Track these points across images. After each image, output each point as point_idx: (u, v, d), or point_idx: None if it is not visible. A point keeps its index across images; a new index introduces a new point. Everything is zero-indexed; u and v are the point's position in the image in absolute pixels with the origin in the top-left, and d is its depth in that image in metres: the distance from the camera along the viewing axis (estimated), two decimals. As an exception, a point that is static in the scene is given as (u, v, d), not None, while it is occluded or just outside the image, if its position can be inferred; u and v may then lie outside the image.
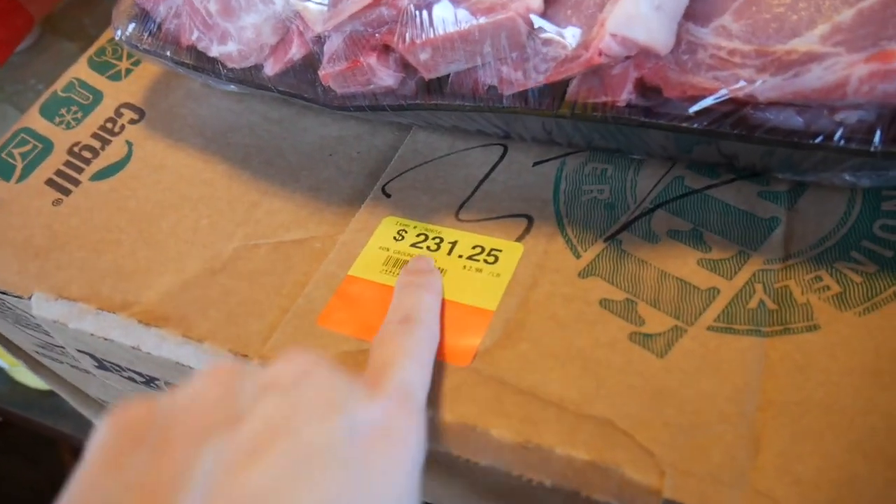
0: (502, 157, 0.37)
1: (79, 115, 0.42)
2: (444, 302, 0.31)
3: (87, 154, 0.41)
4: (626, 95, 0.30)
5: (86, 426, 0.59)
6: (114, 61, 0.45)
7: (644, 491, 0.25)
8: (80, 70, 0.45)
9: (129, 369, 0.36)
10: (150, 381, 0.36)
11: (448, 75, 0.34)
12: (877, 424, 0.25)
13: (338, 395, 0.22)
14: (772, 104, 0.28)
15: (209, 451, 0.20)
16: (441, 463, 0.29)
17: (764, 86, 0.28)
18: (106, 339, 0.33)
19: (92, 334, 0.34)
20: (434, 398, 0.28)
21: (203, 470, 0.20)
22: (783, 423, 0.26)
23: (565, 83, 0.32)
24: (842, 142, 0.28)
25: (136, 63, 0.45)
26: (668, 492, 0.25)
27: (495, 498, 0.30)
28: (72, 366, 0.42)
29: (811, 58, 0.27)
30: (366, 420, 0.22)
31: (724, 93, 0.28)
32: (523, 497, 0.28)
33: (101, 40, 0.46)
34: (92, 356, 0.37)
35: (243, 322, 0.32)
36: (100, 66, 0.45)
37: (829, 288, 0.29)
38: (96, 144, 0.41)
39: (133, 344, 0.33)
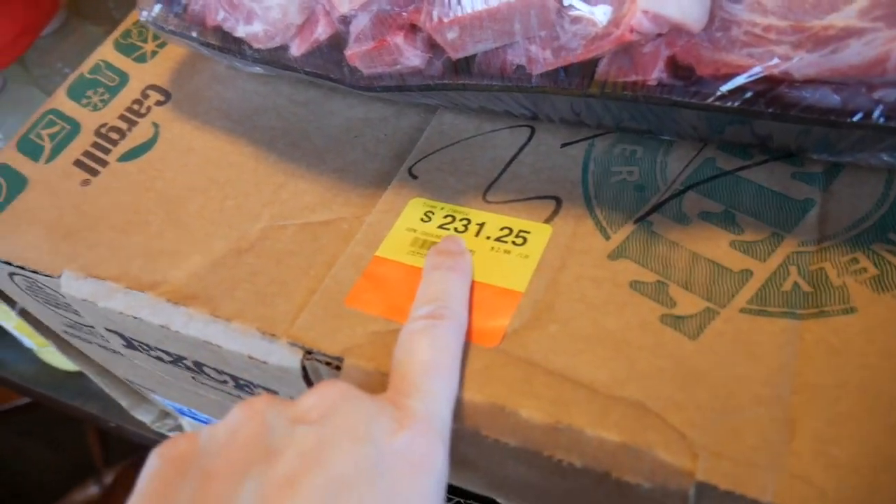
0: (530, 139, 0.37)
1: (105, 96, 0.43)
2: (473, 283, 0.31)
3: (114, 135, 0.41)
4: (657, 74, 0.30)
5: (113, 408, 0.60)
6: (139, 43, 0.45)
7: (677, 473, 0.25)
8: (107, 52, 0.45)
9: (158, 348, 0.36)
10: (177, 361, 0.37)
11: (475, 56, 0.33)
12: (916, 408, 0.25)
13: (364, 427, 0.24)
14: (808, 82, 0.28)
15: (249, 483, 0.22)
16: (469, 442, 0.28)
17: (800, 63, 0.27)
18: (135, 318, 0.34)
19: (121, 313, 0.34)
20: (463, 379, 0.28)
21: (244, 500, 0.21)
22: (819, 406, 0.25)
23: (595, 62, 0.32)
24: (881, 120, 0.27)
25: (162, 45, 0.45)
26: (701, 474, 0.24)
27: (522, 481, 0.30)
28: (100, 346, 0.42)
29: (850, 33, 0.26)
30: (391, 450, 0.23)
31: (758, 70, 0.28)
32: (552, 477, 0.28)
33: (127, 22, 0.46)
34: (121, 335, 0.37)
35: (271, 302, 0.32)
36: (126, 49, 0.45)
37: (865, 270, 0.29)
38: (123, 126, 0.41)
39: (162, 322, 0.33)
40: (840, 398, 0.25)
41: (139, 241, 0.36)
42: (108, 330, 0.37)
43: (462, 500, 0.38)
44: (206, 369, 0.36)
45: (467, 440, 0.28)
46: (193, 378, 0.38)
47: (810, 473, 0.24)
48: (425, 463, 0.24)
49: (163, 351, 0.36)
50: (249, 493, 0.21)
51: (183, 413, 0.53)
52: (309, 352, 0.30)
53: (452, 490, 0.38)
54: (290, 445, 0.23)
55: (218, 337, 0.32)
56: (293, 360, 0.30)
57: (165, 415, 0.58)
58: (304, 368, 0.30)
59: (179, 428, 0.59)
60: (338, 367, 0.30)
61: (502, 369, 0.28)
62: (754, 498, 0.24)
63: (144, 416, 0.57)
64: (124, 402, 0.56)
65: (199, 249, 0.35)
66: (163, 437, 0.60)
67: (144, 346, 0.37)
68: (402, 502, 0.22)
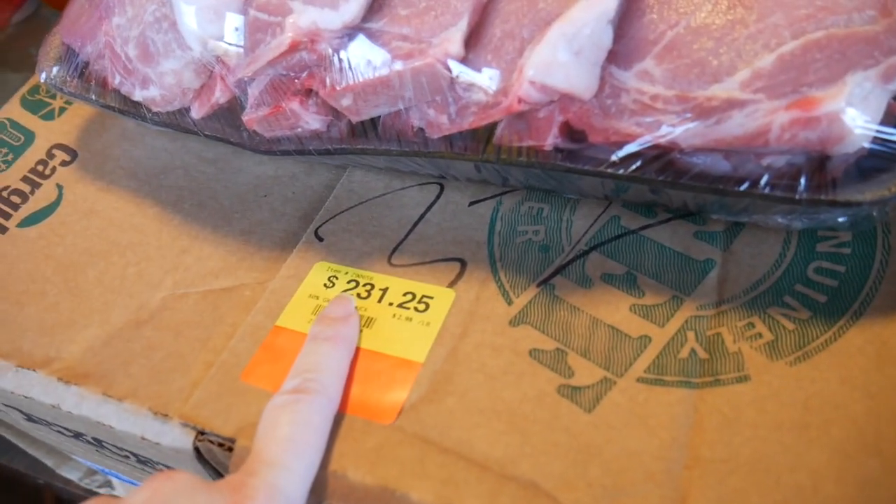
0: (438, 197, 0.36)
1: (9, 157, 0.41)
2: (358, 351, 0.30)
3: (15, 199, 0.40)
4: (551, 140, 0.30)
5: (40, 464, 0.58)
6: (47, 100, 0.44)
7: (564, 558, 0.24)
8: (12, 110, 0.44)
9: (56, 424, 0.35)
10: (77, 436, 0.35)
11: (378, 117, 0.33)
12: (803, 482, 0.24)
13: None
14: (697, 149, 0.28)
15: None
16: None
17: (686, 133, 0.27)
18: (26, 397, 0.32)
19: (12, 392, 0.32)
20: (354, 460, 0.27)
21: None
22: (709, 483, 0.25)
23: (494, 126, 0.31)
24: (767, 189, 0.27)
25: (71, 101, 0.44)
26: (589, 559, 0.24)
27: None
28: (7, 420, 0.41)
29: (732, 104, 0.26)
30: None
31: (647, 139, 0.28)
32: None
33: (36, 78, 0.45)
34: (19, 410, 0.36)
35: (166, 378, 0.31)
36: (33, 106, 0.44)
37: (761, 336, 0.29)
38: (26, 188, 0.40)
39: (53, 402, 0.32)
40: (731, 473, 0.25)
41: (33, 313, 0.34)
42: (5, 405, 0.36)
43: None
44: (106, 445, 0.34)
45: (361, 523, 0.28)
46: (97, 451, 0.37)
47: (697, 557, 0.23)
48: None
49: (62, 427, 0.35)
50: None
51: (108, 472, 0.51)
52: (202, 433, 0.29)
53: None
54: None
55: (110, 417, 0.31)
56: (185, 441, 0.29)
57: (93, 472, 0.56)
58: (196, 450, 0.29)
59: (108, 484, 0.57)
60: (230, 449, 0.29)
61: (396, 448, 0.28)
62: (641, 583, 0.23)
63: (71, 474, 0.56)
64: (49, 462, 0.54)
65: (95, 321, 0.34)
66: (92, 493, 0.58)
67: (44, 422, 0.36)
68: None
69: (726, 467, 0.25)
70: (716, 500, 0.25)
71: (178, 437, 0.29)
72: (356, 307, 0.32)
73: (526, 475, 0.26)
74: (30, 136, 0.42)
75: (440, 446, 0.27)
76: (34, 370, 0.32)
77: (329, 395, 0.28)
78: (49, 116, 0.43)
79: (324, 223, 0.36)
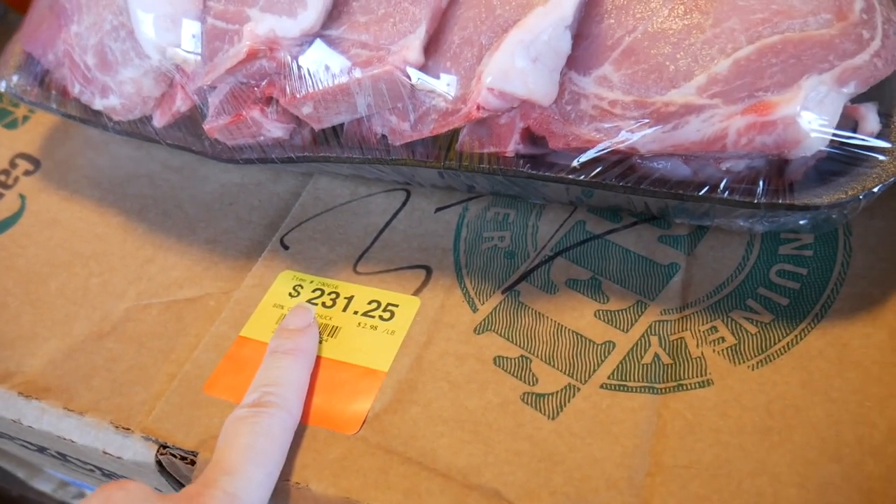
0: (404, 204, 0.36)
1: (-29, 167, 0.41)
2: (322, 361, 0.30)
3: (-23, 210, 0.39)
4: (513, 146, 0.30)
5: (13, 478, 0.57)
6: (10, 108, 0.43)
7: (526, 569, 0.24)
8: (-26, 119, 0.43)
9: (19, 438, 0.34)
10: (41, 450, 0.35)
11: (342, 125, 0.33)
12: (763, 488, 0.24)
13: None
14: (656, 155, 0.28)
15: None
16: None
17: (644, 138, 0.27)
18: (-13, 412, 0.32)
19: (-28, 407, 0.32)
20: (317, 472, 0.27)
21: None
22: (671, 489, 0.25)
23: (456, 131, 0.31)
24: (726, 193, 0.27)
25: (34, 110, 0.43)
26: (550, 569, 0.24)
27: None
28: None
29: (689, 110, 0.26)
30: None
31: (606, 145, 0.28)
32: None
33: (-2, 86, 0.44)
34: (-19, 425, 0.35)
35: (128, 391, 0.31)
36: (-5, 115, 0.43)
37: (723, 340, 0.29)
38: (-12, 199, 0.39)
39: (14, 417, 0.31)
40: (692, 479, 0.25)
41: (-6, 327, 0.34)
42: (-32, 419, 0.35)
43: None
44: (70, 459, 0.34)
45: (324, 535, 0.27)
46: (63, 465, 0.36)
47: (657, 564, 0.23)
48: None
49: (25, 441, 0.34)
50: None
51: (79, 484, 0.50)
52: (164, 446, 0.29)
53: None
54: None
55: (71, 432, 0.30)
56: (147, 454, 0.29)
57: (65, 484, 0.55)
58: (159, 463, 0.29)
59: (82, 495, 0.57)
60: (192, 462, 0.28)
61: (359, 459, 0.27)
62: (602, 592, 0.23)
63: (44, 486, 0.55)
64: (20, 474, 0.53)
65: (57, 333, 0.33)
66: (67, 505, 0.57)
67: (7, 436, 0.35)
68: None
69: (688, 473, 0.25)
70: (677, 506, 0.25)
71: (139, 451, 0.29)
72: (317, 316, 0.32)
73: (489, 484, 0.26)
74: (-8, 146, 0.42)
75: (403, 456, 0.27)
76: (-6, 385, 0.32)
77: (289, 408, 0.28)
78: (12, 125, 0.43)
79: (290, 231, 0.36)
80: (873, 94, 0.27)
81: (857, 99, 0.27)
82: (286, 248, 0.35)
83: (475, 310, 0.31)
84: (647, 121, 0.27)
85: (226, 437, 0.26)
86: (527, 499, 0.25)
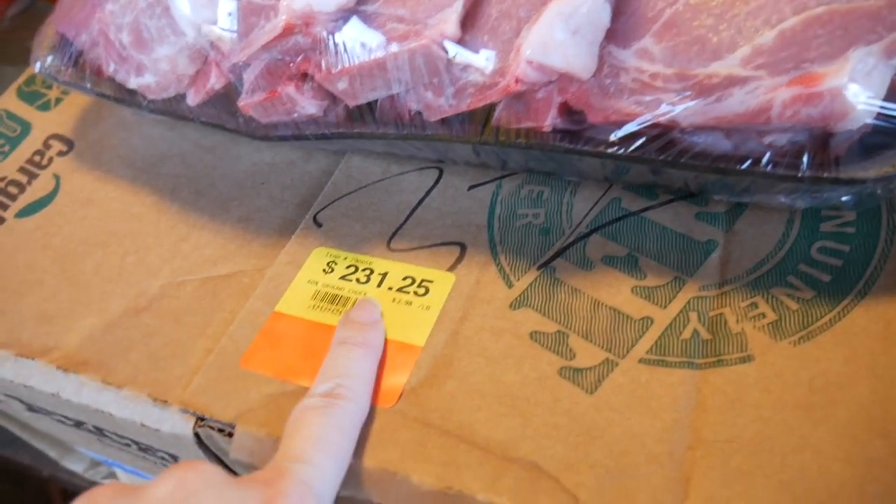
0: (437, 182, 0.36)
1: (6, 148, 0.41)
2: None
3: (13, 190, 0.39)
4: (550, 121, 0.29)
5: (44, 457, 0.58)
6: (43, 90, 0.44)
7: (567, 540, 0.24)
8: (9, 101, 0.43)
9: (57, 413, 0.35)
10: (78, 425, 0.35)
11: (376, 102, 0.33)
12: (808, 463, 0.24)
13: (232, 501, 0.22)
14: (698, 128, 0.27)
15: None
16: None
17: (686, 111, 0.27)
18: (26, 386, 0.32)
19: (12, 381, 0.32)
20: (357, 443, 0.27)
21: None
22: (712, 463, 0.25)
23: (492, 107, 0.31)
24: (769, 167, 0.27)
25: (67, 92, 0.44)
26: (591, 541, 0.24)
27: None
28: (8, 410, 0.41)
29: (733, 82, 0.26)
30: None
31: (647, 118, 0.27)
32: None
33: (31, 69, 0.45)
34: (20, 400, 0.36)
35: (165, 365, 0.31)
36: (29, 96, 0.43)
37: (764, 316, 0.28)
38: (23, 179, 0.40)
39: (53, 391, 0.31)
40: (733, 454, 0.25)
41: (32, 303, 0.34)
42: (6, 395, 0.36)
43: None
44: (107, 433, 0.34)
45: (362, 508, 0.27)
46: (99, 440, 0.37)
47: (700, 537, 0.23)
48: None
49: (62, 416, 0.35)
50: None
51: (111, 463, 0.51)
52: (201, 419, 0.29)
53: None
54: None
55: (109, 405, 0.30)
56: (185, 427, 0.29)
57: (97, 464, 0.56)
58: (196, 435, 0.29)
59: (113, 475, 0.57)
60: (230, 434, 0.29)
61: (397, 432, 0.27)
62: (644, 564, 0.23)
63: (75, 466, 0.56)
64: (52, 454, 0.54)
65: (94, 310, 0.34)
66: (97, 484, 0.58)
67: (45, 411, 0.36)
68: None
69: (730, 448, 0.25)
70: (720, 480, 0.24)
71: (177, 424, 0.29)
72: (351, 292, 0.32)
73: (528, 458, 0.26)
74: (26, 127, 0.42)
75: (441, 429, 0.27)
76: (33, 359, 0.32)
77: (359, 402, 0.27)
78: (45, 107, 0.43)
79: (322, 209, 0.36)
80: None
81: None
82: (319, 225, 0.35)
83: (510, 286, 0.31)
84: (688, 93, 0.27)
85: (296, 425, 0.26)
86: (566, 472, 0.25)
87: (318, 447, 0.25)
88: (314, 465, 0.25)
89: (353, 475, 0.27)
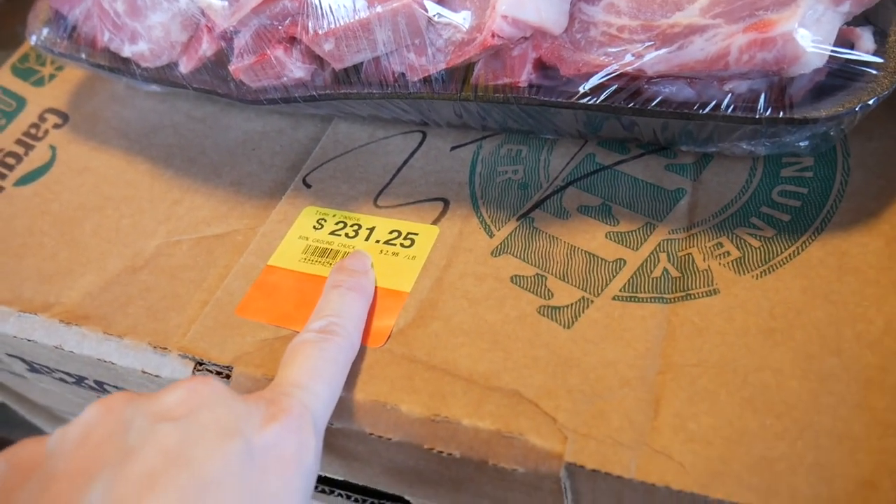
0: (421, 144, 0.38)
1: (2, 122, 0.42)
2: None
3: (10, 160, 0.41)
4: (525, 76, 0.31)
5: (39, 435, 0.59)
6: (37, 67, 0.45)
7: (547, 456, 0.26)
8: (3, 77, 0.45)
9: (58, 370, 0.36)
10: (79, 381, 0.36)
11: (361, 65, 0.34)
12: (768, 380, 0.26)
13: (233, 421, 0.23)
14: (662, 77, 0.29)
15: (98, 485, 0.20)
16: (358, 441, 0.29)
17: (651, 60, 0.29)
18: (29, 341, 0.33)
19: (15, 336, 0.34)
20: (347, 381, 0.29)
21: (90, 502, 0.20)
22: (681, 385, 0.27)
23: (471, 67, 0.33)
24: (729, 110, 0.28)
25: (60, 68, 0.45)
26: (569, 456, 0.25)
27: (412, 473, 0.31)
28: (10, 372, 0.42)
29: (693, 30, 0.28)
30: (261, 445, 0.23)
31: (614, 68, 0.29)
32: (438, 468, 0.29)
33: (25, 47, 0.46)
34: (21, 359, 0.37)
35: (163, 317, 0.32)
36: (23, 73, 0.45)
37: (729, 254, 0.30)
38: (20, 150, 0.41)
39: (55, 343, 0.33)
40: (700, 375, 0.27)
41: (32, 264, 0.36)
42: (8, 355, 0.37)
43: (367, 498, 0.38)
44: (107, 388, 0.36)
45: (355, 439, 0.29)
46: (99, 398, 0.38)
47: (669, 448, 0.25)
48: (295, 458, 0.24)
49: (64, 372, 0.36)
50: (99, 496, 0.20)
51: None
52: (200, 363, 0.31)
53: (351, 487, 0.38)
54: (150, 443, 0.21)
55: (111, 354, 0.32)
56: (184, 371, 0.31)
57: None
58: (195, 380, 0.31)
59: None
60: (227, 376, 0.30)
61: (386, 368, 0.29)
62: (619, 475, 0.25)
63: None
64: (49, 430, 0.55)
65: (92, 269, 0.35)
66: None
67: (46, 369, 0.37)
68: (269, 499, 0.22)
69: (697, 371, 0.27)
70: (687, 399, 0.26)
71: (177, 368, 0.31)
72: (340, 246, 0.34)
73: (509, 386, 0.28)
74: (21, 102, 0.43)
75: (427, 364, 0.29)
76: (35, 314, 0.33)
77: (351, 339, 0.29)
78: (39, 83, 0.44)
79: (311, 171, 0.38)
80: (869, 15, 0.29)
81: (854, 22, 0.29)
82: (308, 186, 0.37)
83: (491, 235, 0.33)
84: (653, 43, 0.29)
85: (293, 356, 0.27)
86: (545, 397, 0.27)
87: (314, 376, 0.27)
88: (311, 390, 0.26)
89: (347, 408, 0.28)
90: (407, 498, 0.35)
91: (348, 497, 0.38)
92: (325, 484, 0.39)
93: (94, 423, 0.22)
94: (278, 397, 0.25)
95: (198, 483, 0.21)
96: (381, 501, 0.38)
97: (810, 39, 0.27)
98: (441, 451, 0.27)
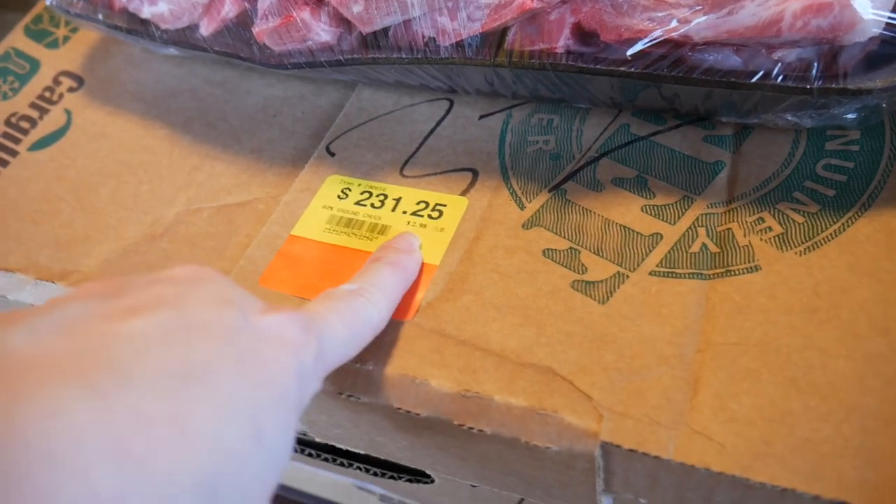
0: (448, 112, 0.37)
1: (16, 84, 0.41)
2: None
3: (24, 124, 0.40)
4: (563, 42, 0.30)
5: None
6: (51, 29, 0.44)
7: (582, 434, 0.25)
8: (17, 39, 0.43)
9: (75, 340, 0.35)
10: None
11: (388, 29, 0.33)
12: (812, 360, 0.25)
13: (235, 296, 0.21)
14: (709, 44, 0.28)
15: (82, 303, 0.19)
16: (384, 415, 0.28)
17: (699, 25, 0.27)
18: (46, 309, 0.33)
19: (32, 305, 0.33)
20: (374, 353, 0.28)
21: (66, 313, 0.18)
22: (721, 363, 0.26)
23: (505, 32, 0.32)
24: (779, 79, 0.27)
25: (75, 30, 0.44)
26: (605, 434, 0.25)
27: (439, 448, 0.30)
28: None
29: (744, -7, 0.27)
30: (261, 325, 0.21)
31: (659, 34, 0.28)
32: (466, 444, 0.28)
33: (38, 8, 0.45)
34: (37, 328, 0.36)
35: (184, 286, 0.32)
36: (36, 34, 0.43)
37: (771, 229, 0.29)
38: (34, 114, 0.40)
39: (73, 312, 0.32)
40: (741, 354, 0.26)
41: (48, 231, 0.35)
42: (24, 322, 0.36)
43: (387, 472, 0.38)
44: (125, 358, 0.35)
45: (381, 412, 0.28)
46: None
47: (709, 429, 0.24)
48: (295, 348, 0.21)
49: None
50: (79, 308, 0.18)
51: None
52: (222, 334, 0.30)
53: (370, 460, 0.38)
54: (144, 290, 0.20)
55: (130, 323, 0.31)
56: (206, 342, 0.30)
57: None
58: (217, 351, 0.30)
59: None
60: (251, 348, 0.29)
61: (414, 342, 0.28)
62: (657, 455, 0.24)
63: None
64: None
65: (110, 236, 0.34)
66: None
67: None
68: (259, 368, 0.20)
69: (737, 349, 0.26)
70: (727, 379, 0.25)
71: (198, 340, 0.30)
72: (366, 217, 0.33)
73: (542, 362, 0.27)
74: (35, 64, 0.42)
75: (457, 339, 0.28)
76: (53, 282, 0.33)
77: (379, 308, 0.27)
78: (53, 45, 0.43)
79: (335, 139, 0.36)
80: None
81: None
82: (332, 154, 0.36)
83: (522, 208, 0.32)
84: (700, 7, 0.27)
85: (319, 299, 0.25)
86: (580, 374, 0.26)
87: (333, 313, 0.24)
88: (327, 320, 0.24)
89: (374, 382, 0.28)
90: (429, 472, 0.35)
91: (367, 470, 0.38)
92: (344, 457, 0.39)
93: (91, 284, 0.21)
94: (290, 309, 0.23)
95: (185, 324, 0.19)
96: (400, 475, 0.38)
97: (869, 6, 0.26)
98: (472, 428, 0.26)
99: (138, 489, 0.16)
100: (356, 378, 0.28)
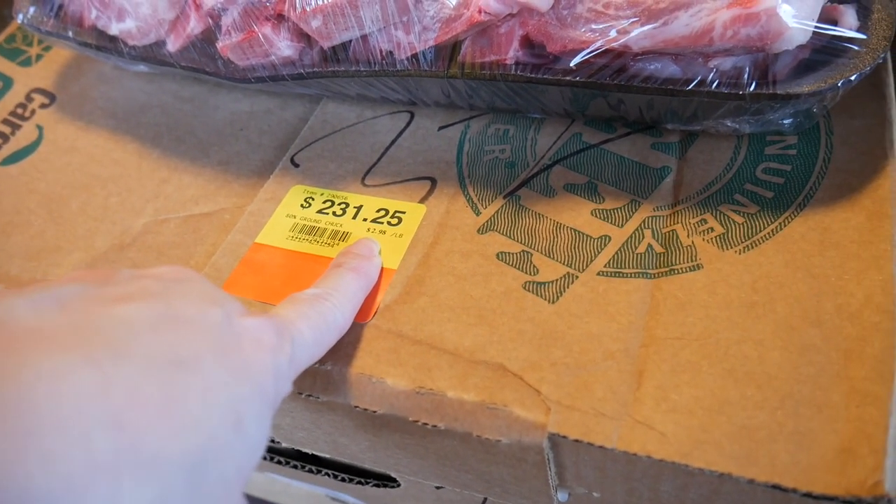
0: (409, 124, 0.38)
1: (-11, 101, 0.42)
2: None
3: (-3, 140, 0.41)
4: (512, 53, 0.31)
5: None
6: (24, 47, 0.45)
7: (530, 427, 0.26)
8: (-10, 58, 0.44)
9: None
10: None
11: (348, 44, 0.34)
12: (749, 352, 0.26)
13: (217, 296, 0.22)
14: (648, 53, 0.30)
15: (71, 287, 0.20)
16: (343, 414, 0.29)
17: (637, 36, 0.29)
18: (15, 319, 0.33)
19: (1, 315, 0.34)
20: (333, 355, 0.29)
21: (63, 291, 0.19)
22: (664, 357, 0.27)
23: (458, 45, 0.33)
24: (714, 86, 0.29)
25: (47, 49, 0.45)
26: (552, 426, 0.26)
27: (397, 447, 0.31)
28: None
29: (678, 5, 0.28)
30: (242, 325, 0.22)
31: (600, 44, 0.29)
32: (423, 441, 0.29)
33: (12, 27, 0.46)
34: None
35: (150, 293, 0.32)
36: (9, 53, 0.44)
37: (712, 230, 0.30)
38: (6, 130, 0.41)
39: (41, 321, 0.33)
40: (682, 348, 0.27)
41: (19, 241, 0.36)
42: (-6, 333, 0.37)
43: (354, 478, 0.38)
44: (94, 366, 0.36)
45: (341, 412, 0.29)
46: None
47: (652, 419, 0.25)
48: (272, 350, 0.22)
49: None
50: (69, 292, 0.19)
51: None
52: (186, 338, 0.31)
53: (338, 466, 0.38)
54: (131, 283, 0.21)
55: (97, 330, 0.32)
56: (171, 347, 0.31)
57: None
58: (182, 355, 0.31)
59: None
60: (214, 352, 0.30)
61: (372, 342, 0.29)
62: (601, 444, 0.25)
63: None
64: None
65: (80, 246, 0.35)
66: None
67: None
68: (241, 364, 0.21)
69: (679, 343, 0.27)
70: (669, 371, 0.26)
71: (163, 344, 0.31)
72: (328, 224, 0.34)
73: (494, 359, 0.28)
74: (8, 82, 0.43)
75: (413, 339, 0.29)
76: (22, 291, 0.33)
77: (343, 312, 0.28)
78: (26, 63, 0.44)
79: (299, 151, 0.38)
80: (850, -7, 0.29)
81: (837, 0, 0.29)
82: (296, 165, 0.37)
83: (478, 213, 0.33)
84: (637, 19, 0.29)
85: (285, 303, 0.27)
86: (530, 370, 0.27)
87: (302, 318, 0.26)
88: (296, 326, 0.25)
89: (333, 381, 0.28)
90: (393, 475, 0.35)
91: (335, 476, 0.38)
92: (312, 463, 0.39)
93: (78, 274, 0.22)
94: (262, 315, 0.24)
95: (173, 315, 0.20)
96: (368, 480, 0.39)
97: (793, 15, 0.27)
98: (426, 423, 0.27)
99: (131, 460, 0.17)
100: (315, 378, 0.29)
